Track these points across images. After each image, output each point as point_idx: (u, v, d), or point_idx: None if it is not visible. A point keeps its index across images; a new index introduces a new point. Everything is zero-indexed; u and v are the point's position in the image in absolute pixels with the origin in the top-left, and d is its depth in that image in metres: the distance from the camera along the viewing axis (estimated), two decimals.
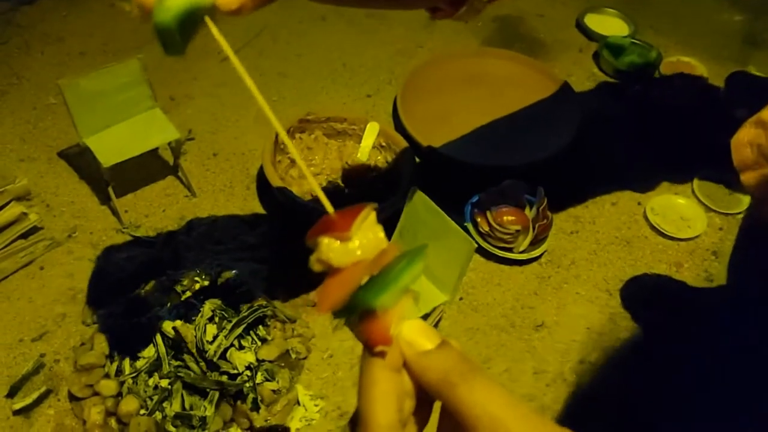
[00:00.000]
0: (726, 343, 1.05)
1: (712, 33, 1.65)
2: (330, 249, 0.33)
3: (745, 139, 0.76)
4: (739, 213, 1.23)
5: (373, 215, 0.34)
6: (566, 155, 1.26)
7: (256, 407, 0.90)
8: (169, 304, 0.97)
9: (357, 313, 0.32)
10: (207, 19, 0.42)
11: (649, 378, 1.01)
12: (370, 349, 0.31)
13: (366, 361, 0.31)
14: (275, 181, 1.08)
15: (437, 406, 0.32)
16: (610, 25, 1.64)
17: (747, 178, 0.76)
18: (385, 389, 0.30)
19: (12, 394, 0.92)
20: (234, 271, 1.05)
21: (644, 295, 1.12)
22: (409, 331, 0.31)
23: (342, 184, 1.18)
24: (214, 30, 0.41)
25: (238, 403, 0.90)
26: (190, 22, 0.43)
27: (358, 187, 1.17)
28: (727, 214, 1.23)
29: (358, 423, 0.30)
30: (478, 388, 0.28)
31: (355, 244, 0.33)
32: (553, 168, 1.24)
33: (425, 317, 0.93)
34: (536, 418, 0.27)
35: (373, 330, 0.31)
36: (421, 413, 0.32)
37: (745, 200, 1.25)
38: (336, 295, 0.32)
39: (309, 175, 0.38)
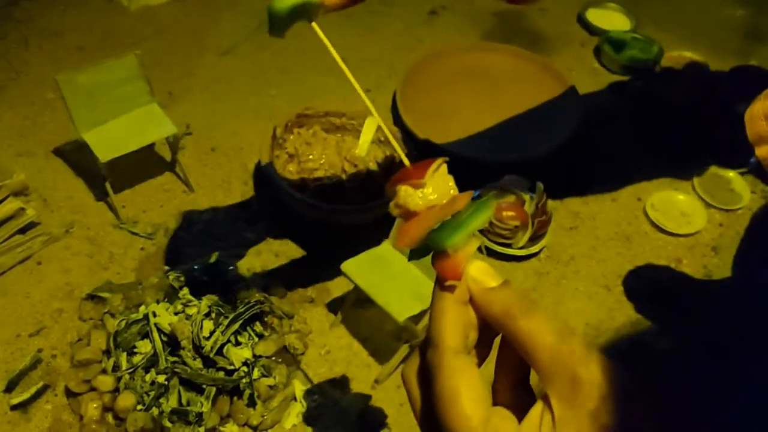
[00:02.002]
0: (729, 336, 1.05)
1: (714, 28, 1.64)
2: (407, 195, 0.38)
3: (759, 112, 0.75)
4: (739, 209, 1.23)
5: (444, 167, 0.39)
6: (566, 150, 1.26)
7: (252, 403, 0.90)
8: (166, 300, 0.97)
9: (430, 252, 0.36)
10: (314, 26, 0.49)
11: (648, 374, 1.01)
12: (441, 284, 0.35)
13: (437, 294, 0.35)
14: (264, 158, 1.07)
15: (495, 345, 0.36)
16: (611, 19, 1.63)
17: (762, 152, 0.75)
18: (454, 317, 0.33)
19: (9, 389, 0.92)
20: (231, 267, 1.05)
21: (646, 287, 1.12)
22: (476, 270, 0.34)
23: (341, 179, 1.17)
24: (320, 33, 0.49)
25: (235, 398, 0.90)
26: (297, 13, 0.51)
27: (357, 182, 1.17)
28: (727, 210, 1.23)
29: (429, 346, 0.33)
30: (537, 321, 0.31)
31: (429, 190, 0.38)
32: (552, 163, 1.24)
33: (423, 313, 0.92)
34: (587, 348, 0.30)
35: (444, 267, 0.35)
36: (482, 349, 0.36)
37: (746, 196, 1.24)
38: (412, 235, 0.37)
39: (373, 111, 0.44)
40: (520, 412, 0.32)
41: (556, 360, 0.30)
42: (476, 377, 0.33)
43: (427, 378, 0.33)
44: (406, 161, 0.40)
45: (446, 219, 0.36)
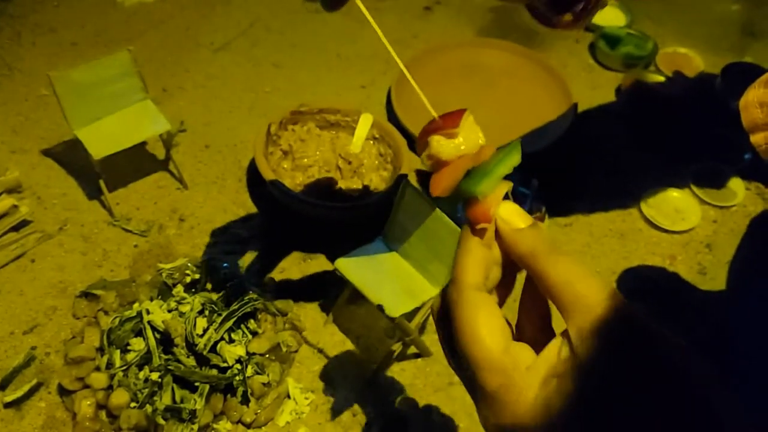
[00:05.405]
0: (725, 341, 1.05)
1: (710, 23, 1.64)
2: (440, 145, 0.39)
3: (754, 100, 0.75)
4: (733, 206, 1.23)
5: (471, 117, 0.40)
6: (560, 147, 1.26)
7: (246, 400, 0.90)
8: (159, 297, 0.97)
9: (461, 199, 0.38)
10: (358, 1, 0.49)
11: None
12: (472, 227, 0.37)
13: (463, 237, 0.37)
14: (268, 175, 1.07)
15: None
16: (606, 15, 1.63)
17: (757, 138, 0.75)
18: (476, 257, 0.36)
19: (3, 386, 0.93)
20: (225, 264, 1.05)
21: (640, 284, 1.12)
22: (506, 211, 0.36)
23: (335, 176, 1.17)
24: (362, 7, 0.48)
25: (228, 396, 0.91)
26: None
27: (351, 179, 1.17)
28: (721, 207, 1.23)
29: (450, 283, 0.36)
30: (561, 261, 0.33)
31: (460, 140, 0.39)
32: (547, 160, 1.24)
33: (416, 311, 0.92)
34: (607, 287, 0.32)
35: (475, 212, 0.36)
36: (505, 284, 0.38)
37: (740, 193, 1.24)
38: (445, 183, 0.39)
39: (418, 89, 0.45)
40: (541, 348, 0.33)
41: (577, 297, 0.31)
42: (495, 310, 0.35)
43: (448, 316, 0.36)
44: (434, 113, 0.41)
45: (474, 167, 0.38)
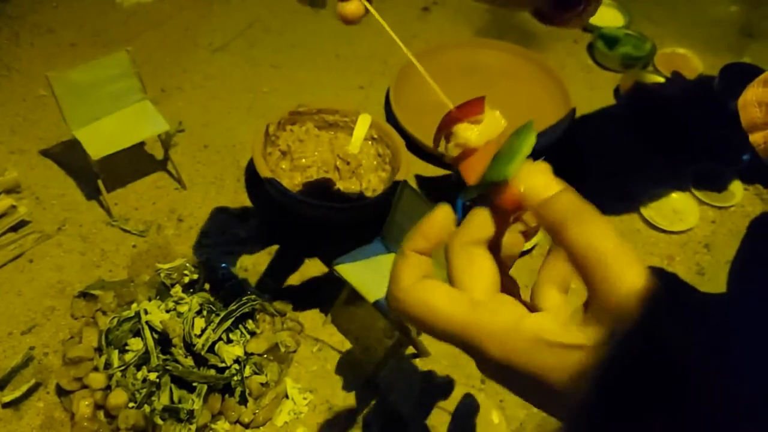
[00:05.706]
0: (725, 341, 1.05)
1: (708, 24, 1.64)
2: (468, 132, 0.40)
3: (753, 99, 0.75)
4: (731, 206, 1.23)
5: (487, 104, 0.41)
6: (558, 148, 1.26)
7: (244, 401, 0.90)
8: (157, 297, 0.97)
9: (488, 185, 0.37)
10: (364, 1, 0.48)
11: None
12: (508, 216, 0.36)
13: (405, 244, 0.37)
14: (266, 175, 1.07)
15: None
16: (604, 15, 1.63)
17: (756, 138, 0.75)
18: (413, 263, 0.36)
19: (1, 387, 0.92)
20: (223, 265, 1.05)
21: None
22: (536, 171, 0.35)
23: (334, 176, 1.17)
24: (368, 6, 0.48)
25: (226, 396, 0.91)
26: None
27: (349, 179, 1.17)
28: (719, 207, 1.23)
29: (387, 291, 0.36)
30: (590, 230, 0.31)
31: (484, 126, 0.40)
32: (545, 161, 1.24)
33: None
34: (638, 265, 0.30)
35: (505, 198, 0.35)
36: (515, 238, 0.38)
37: (738, 194, 1.24)
38: (478, 170, 0.39)
39: (427, 76, 0.45)
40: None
41: (610, 279, 0.30)
42: (438, 283, 0.35)
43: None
44: (450, 104, 0.42)
45: (497, 152, 0.38)
